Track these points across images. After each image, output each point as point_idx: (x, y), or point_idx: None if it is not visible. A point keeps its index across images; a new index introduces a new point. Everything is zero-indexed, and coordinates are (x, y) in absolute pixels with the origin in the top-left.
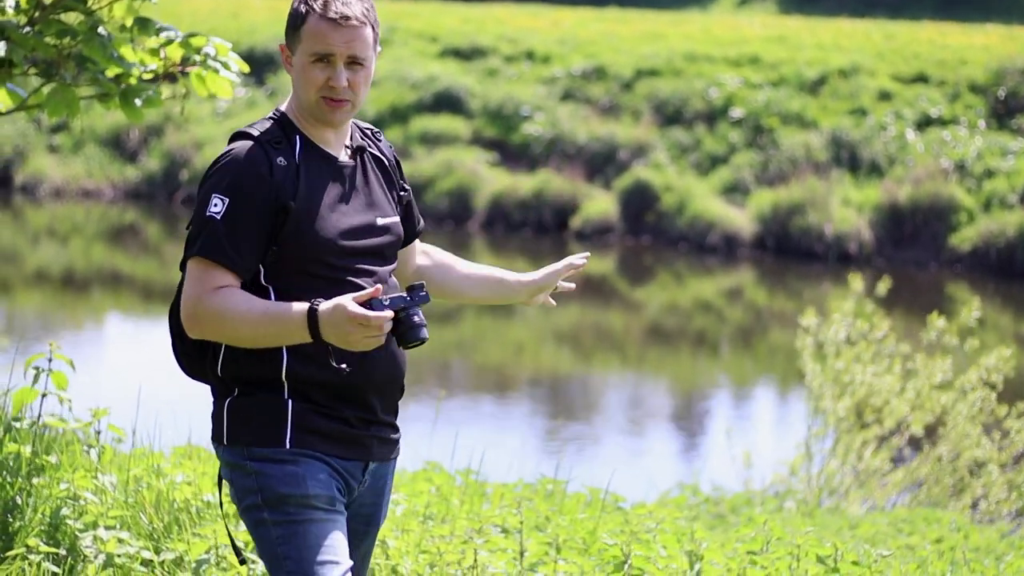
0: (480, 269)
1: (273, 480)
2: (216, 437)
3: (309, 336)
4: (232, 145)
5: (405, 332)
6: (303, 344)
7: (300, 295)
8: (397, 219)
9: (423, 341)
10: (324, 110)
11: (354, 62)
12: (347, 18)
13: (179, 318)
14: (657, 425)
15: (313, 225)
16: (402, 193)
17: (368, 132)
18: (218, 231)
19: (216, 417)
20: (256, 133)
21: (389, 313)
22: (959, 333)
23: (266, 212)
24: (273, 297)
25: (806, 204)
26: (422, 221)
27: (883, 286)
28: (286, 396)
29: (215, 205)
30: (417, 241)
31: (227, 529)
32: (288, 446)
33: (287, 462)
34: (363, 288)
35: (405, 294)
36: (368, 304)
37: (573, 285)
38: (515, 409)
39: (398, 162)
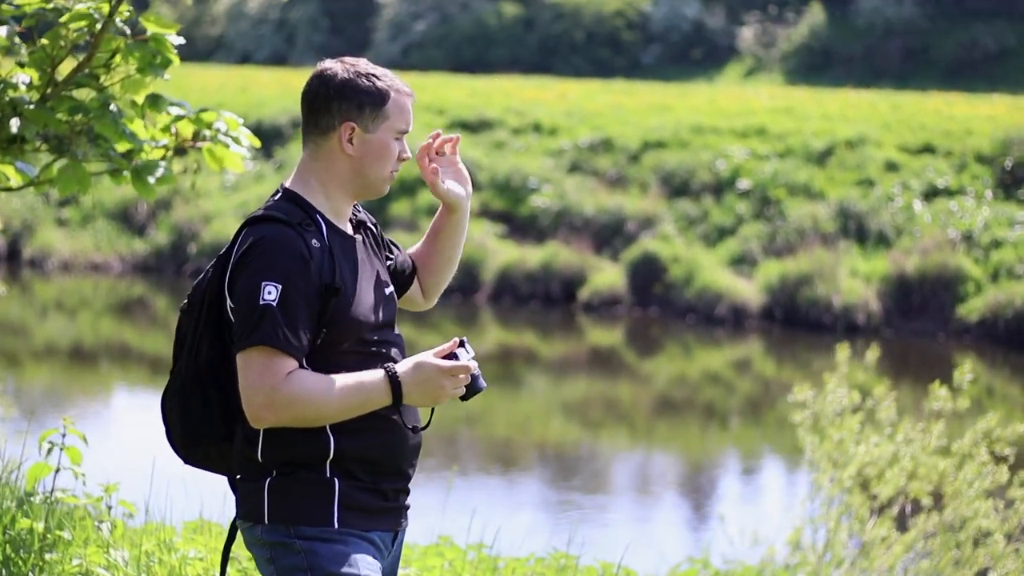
0: (429, 231)
1: (323, 559)
2: (251, 517)
3: (391, 400)
4: (263, 230)
5: (472, 384)
6: (348, 421)
7: (336, 372)
8: (392, 287)
9: (483, 389)
10: (387, 184)
11: None
12: (411, 90)
13: (180, 403)
14: (666, 497)
15: (352, 303)
16: (387, 262)
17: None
18: (276, 319)
19: (251, 497)
20: (282, 216)
21: (474, 362)
22: (952, 396)
23: (314, 295)
24: None
25: (814, 275)
26: (404, 250)
27: (872, 354)
28: (329, 475)
29: (269, 293)
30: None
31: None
32: (336, 525)
33: (336, 541)
34: (391, 359)
35: (463, 348)
36: (451, 356)
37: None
38: (524, 483)
39: (379, 228)
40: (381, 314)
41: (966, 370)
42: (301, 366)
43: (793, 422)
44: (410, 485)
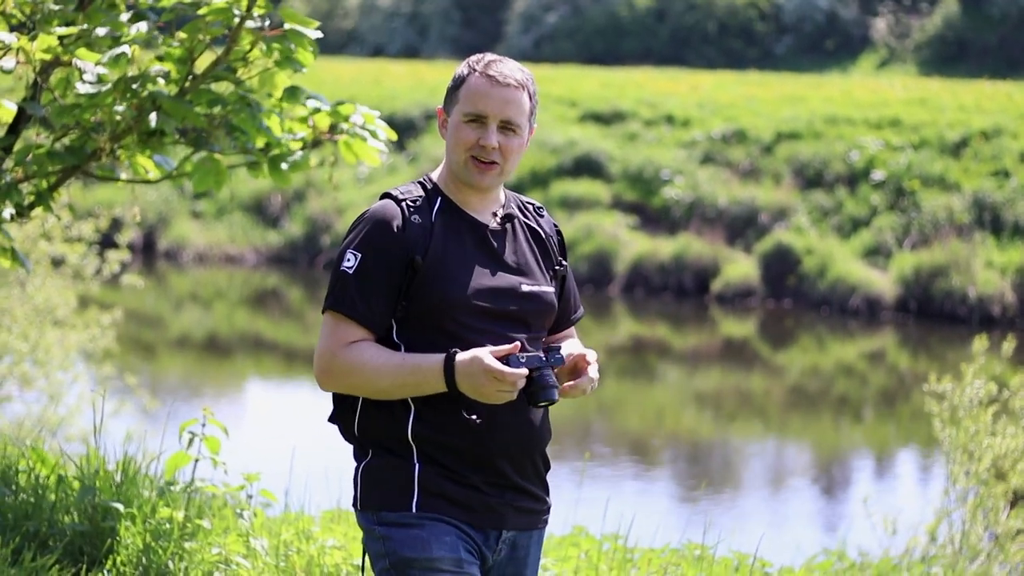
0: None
1: (398, 544)
2: (353, 502)
3: (444, 385)
4: (374, 204)
5: (536, 392)
6: (429, 406)
7: (429, 352)
8: (549, 289)
9: (552, 402)
10: (472, 171)
11: (507, 126)
12: (506, 77)
13: None
14: (800, 489)
15: (442, 282)
16: (557, 268)
17: (530, 207)
18: (349, 286)
19: (354, 482)
20: (398, 193)
21: (523, 371)
22: None
23: (396, 267)
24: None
25: (949, 267)
26: (579, 309)
27: (1008, 345)
28: (414, 460)
29: (348, 260)
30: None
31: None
32: (414, 510)
33: (412, 526)
34: None
35: (542, 354)
36: (505, 359)
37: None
38: (657, 473)
39: (561, 239)
40: (498, 305)
41: None
42: (379, 337)
43: (929, 412)
44: (538, 489)
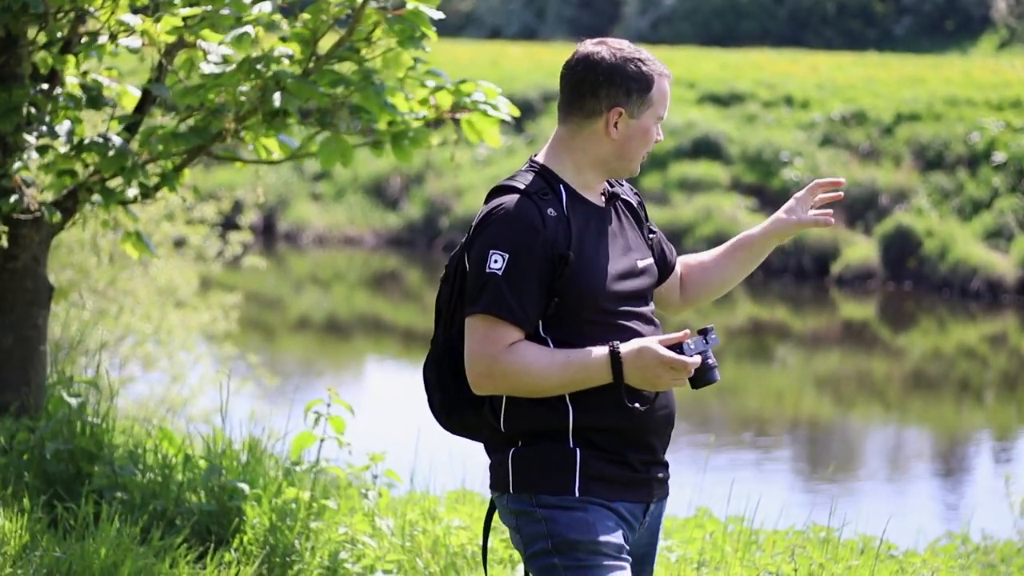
0: (722, 249)
1: (562, 526)
2: (499, 486)
3: (611, 378)
4: (501, 199)
5: (702, 375)
6: (587, 394)
7: (577, 343)
8: (652, 260)
9: (715, 382)
10: (640, 163)
11: None
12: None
13: (436, 372)
14: (921, 473)
15: (588, 273)
16: (651, 235)
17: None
18: (501, 287)
19: (498, 467)
20: (522, 186)
21: (698, 359)
22: None
23: (545, 264)
24: (551, 347)
25: None
26: (673, 250)
27: None
28: (572, 445)
29: (495, 261)
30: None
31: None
32: (577, 494)
33: (576, 509)
34: (636, 333)
35: (701, 337)
36: (679, 347)
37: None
38: (778, 456)
39: (642, 203)
40: (627, 285)
41: None
42: (529, 335)
43: None
44: (666, 458)
